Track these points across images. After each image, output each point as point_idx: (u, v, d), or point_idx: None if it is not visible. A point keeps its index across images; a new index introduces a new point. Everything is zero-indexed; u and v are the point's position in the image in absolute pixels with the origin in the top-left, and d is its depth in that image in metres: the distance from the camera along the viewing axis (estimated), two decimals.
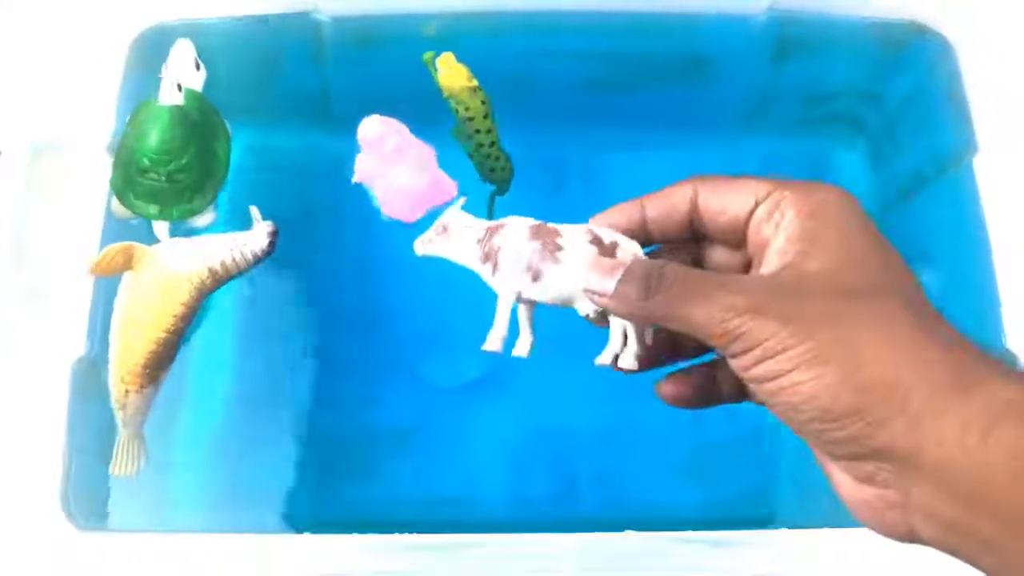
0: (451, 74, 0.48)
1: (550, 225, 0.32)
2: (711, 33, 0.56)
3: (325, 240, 0.52)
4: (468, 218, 0.34)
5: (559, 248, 0.31)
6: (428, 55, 0.50)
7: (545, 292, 0.31)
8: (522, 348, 0.32)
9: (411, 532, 0.43)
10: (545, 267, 0.31)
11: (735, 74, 0.58)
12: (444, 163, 0.57)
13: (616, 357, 0.31)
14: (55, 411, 0.46)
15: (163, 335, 0.45)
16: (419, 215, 0.51)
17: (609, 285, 0.29)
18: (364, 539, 0.43)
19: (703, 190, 0.30)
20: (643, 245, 0.31)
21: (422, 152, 0.51)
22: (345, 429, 0.54)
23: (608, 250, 0.30)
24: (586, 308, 0.31)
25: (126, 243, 0.45)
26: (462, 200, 0.35)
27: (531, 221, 0.32)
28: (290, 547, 0.44)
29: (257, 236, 0.47)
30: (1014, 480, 0.23)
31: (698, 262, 0.32)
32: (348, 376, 0.55)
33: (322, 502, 0.51)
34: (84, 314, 0.47)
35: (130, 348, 0.45)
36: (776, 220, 0.28)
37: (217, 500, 0.50)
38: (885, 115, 0.58)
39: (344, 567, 0.43)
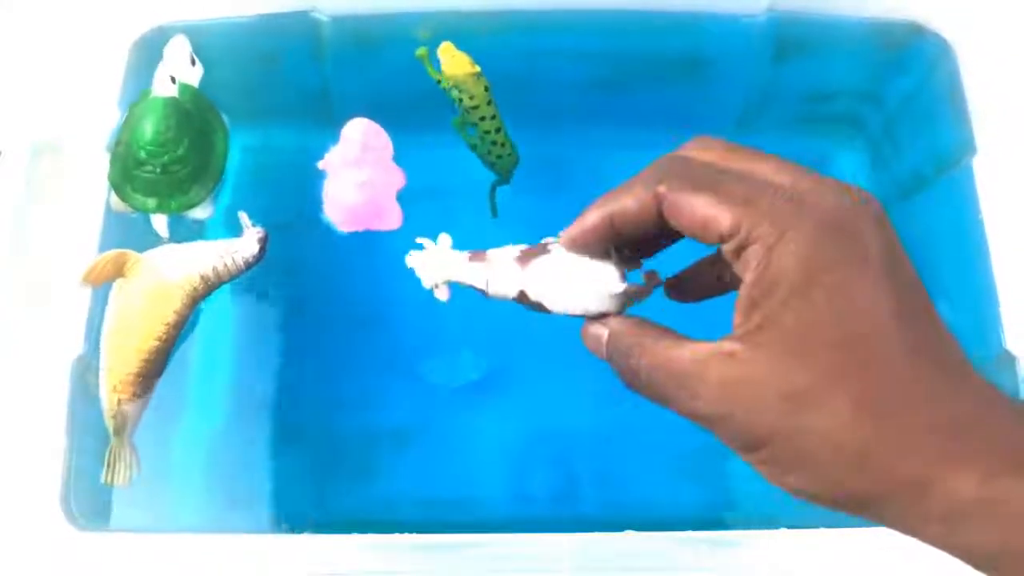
0: (454, 62, 0.48)
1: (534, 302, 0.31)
2: (711, 33, 0.56)
3: (325, 240, 0.52)
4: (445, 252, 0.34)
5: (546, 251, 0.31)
6: (422, 51, 0.50)
7: (540, 281, 0.31)
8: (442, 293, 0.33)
9: (411, 532, 0.43)
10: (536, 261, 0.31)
11: (735, 74, 0.58)
12: (447, 162, 0.58)
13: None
14: (55, 411, 0.46)
15: (155, 343, 0.45)
16: (352, 229, 0.51)
17: (603, 352, 0.30)
18: (364, 539, 0.43)
19: (666, 201, 0.27)
20: (621, 248, 0.30)
21: (386, 176, 0.51)
22: (345, 429, 0.54)
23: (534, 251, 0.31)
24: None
25: (117, 251, 0.45)
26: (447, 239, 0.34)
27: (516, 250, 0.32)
28: (290, 547, 0.44)
29: (247, 243, 0.47)
30: (991, 562, 0.23)
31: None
32: (348, 376, 0.55)
33: (322, 502, 0.51)
34: (84, 314, 0.47)
35: (122, 357, 0.45)
36: (740, 269, 0.26)
37: (217, 500, 0.50)
38: (884, 116, 0.58)
39: (344, 567, 0.43)
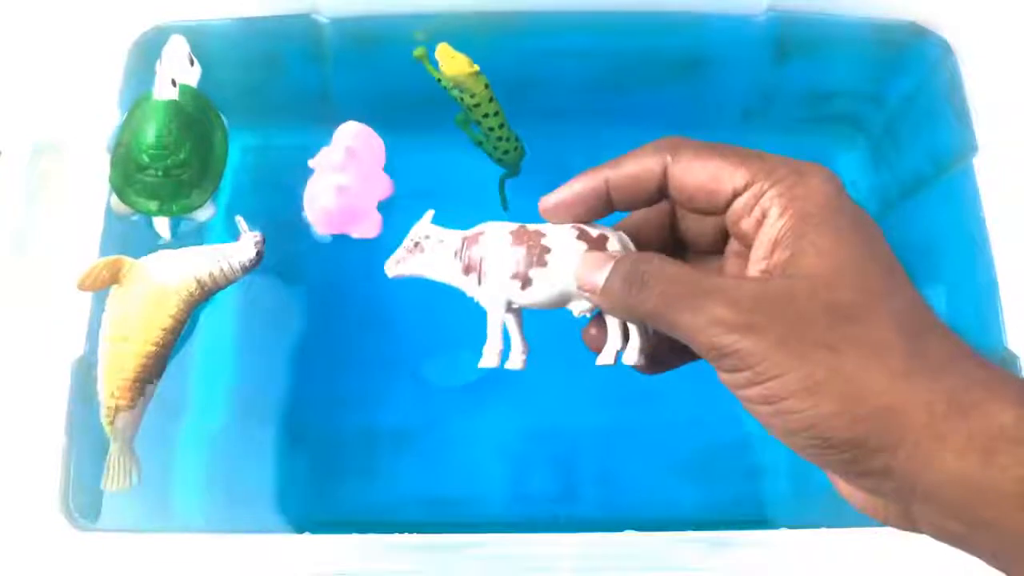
0: (453, 63, 0.48)
1: (531, 227, 0.30)
2: (711, 33, 0.56)
3: (325, 240, 0.52)
4: (439, 231, 0.32)
5: (546, 250, 0.29)
6: (419, 51, 0.50)
7: (535, 297, 0.30)
8: (516, 360, 0.31)
9: (411, 532, 0.43)
10: (534, 272, 0.29)
11: (735, 74, 0.58)
12: (447, 163, 0.58)
13: (619, 355, 0.29)
14: (55, 411, 0.46)
15: (152, 348, 0.45)
16: (327, 232, 0.50)
17: (599, 280, 0.27)
18: (364, 539, 0.43)
19: (675, 167, 0.28)
20: (606, 215, 0.30)
21: (368, 184, 0.51)
22: (345, 429, 0.54)
23: (598, 243, 0.29)
24: (580, 307, 0.30)
25: (113, 257, 0.45)
26: (430, 213, 0.32)
27: (510, 225, 0.30)
28: (290, 547, 0.44)
29: (244, 247, 0.47)
30: (1014, 505, 0.22)
31: (669, 227, 0.31)
32: (348, 376, 0.55)
33: (322, 502, 0.51)
34: (84, 314, 0.47)
35: (120, 363, 0.45)
36: (757, 217, 0.26)
37: (217, 500, 0.50)
38: (885, 116, 0.58)
39: (344, 567, 0.43)
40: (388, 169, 0.58)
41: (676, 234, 0.31)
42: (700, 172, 0.27)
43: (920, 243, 0.54)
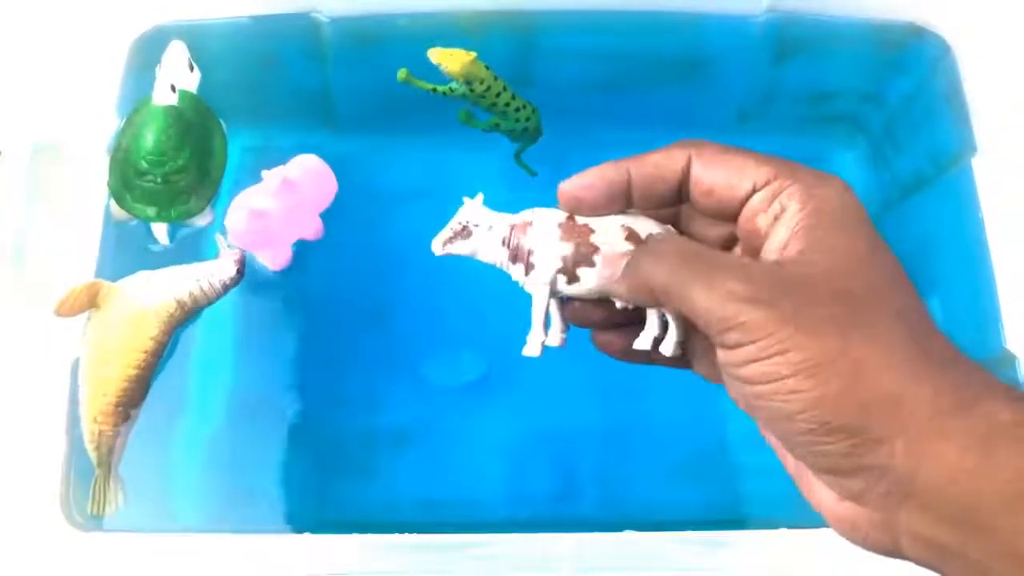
0: (453, 60, 0.48)
1: (580, 222, 0.30)
2: (711, 33, 0.56)
3: (325, 240, 0.52)
4: (487, 215, 0.31)
5: (595, 249, 0.29)
6: (402, 73, 0.50)
7: (580, 290, 0.30)
8: (555, 338, 0.31)
9: (411, 532, 0.43)
10: (581, 271, 0.30)
11: (735, 74, 0.58)
12: (447, 163, 0.58)
13: (656, 342, 0.30)
14: (55, 411, 0.46)
15: (134, 372, 0.45)
16: (233, 243, 0.49)
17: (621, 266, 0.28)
18: (364, 539, 0.43)
19: (698, 162, 0.28)
20: (623, 209, 0.30)
21: (294, 220, 0.49)
22: (345, 429, 0.54)
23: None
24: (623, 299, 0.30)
25: (90, 281, 0.45)
26: (480, 197, 0.32)
27: (558, 215, 0.30)
28: (290, 547, 0.44)
29: (224, 265, 0.47)
30: (1007, 505, 0.22)
31: (676, 226, 0.31)
32: (349, 376, 0.55)
33: (322, 502, 0.51)
34: (84, 314, 0.47)
35: (101, 388, 0.45)
36: (775, 212, 0.27)
37: (217, 500, 0.50)
38: (885, 116, 0.58)
39: (344, 567, 0.43)
40: (388, 169, 0.58)
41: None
42: (723, 167, 0.28)
43: (919, 242, 0.54)
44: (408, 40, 0.53)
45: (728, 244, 0.30)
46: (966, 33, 0.53)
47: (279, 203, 0.48)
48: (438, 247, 0.32)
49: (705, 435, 0.53)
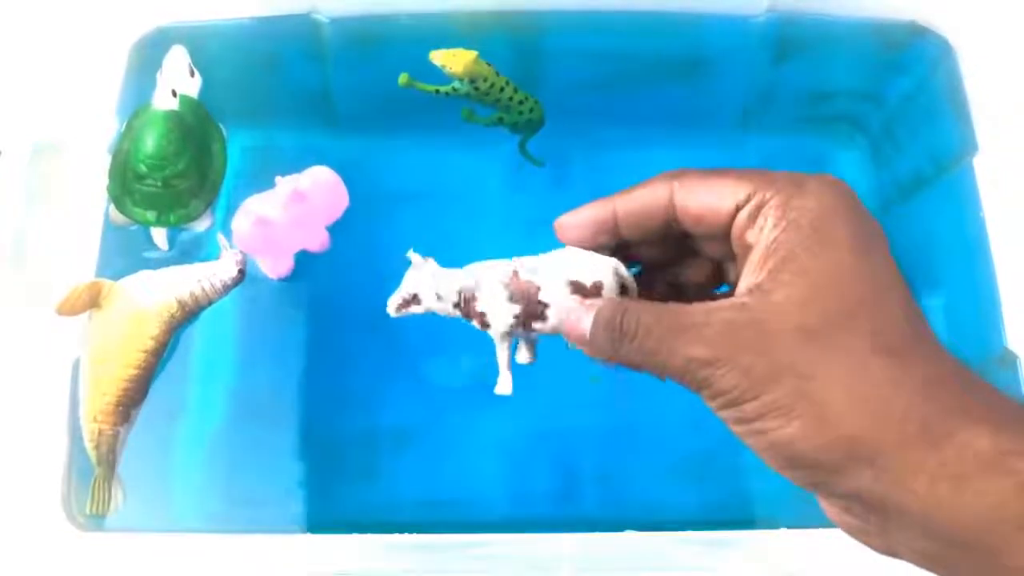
0: (456, 60, 0.48)
1: (524, 282, 0.31)
2: (711, 33, 0.56)
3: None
4: (434, 282, 0.32)
5: (545, 306, 0.30)
6: (403, 78, 0.50)
7: (539, 332, 0.32)
8: (523, 356, 0.33)
9: (411, 532, 0.43)
10: (535, 324, 0.31)
11: (735, 74, 0.58)
12: (447, 163, 0.57)
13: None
14: (55, 411, 0.46)
15: (134, 371, 0.45)
16: (236, 244, 0.49)
17: (585, 332, 0.29)
18: (364, 539, 0.43)
19: (679, 191, 0.28)
20: (617, 248, 0.31)
21: (300, 232, 0.49)
22: (346, 429, 0.54)
23: (592, 293, 0.30)
24: None
25: (91, 280, 0.45)
26: (430, 261, 0.33)
27: (503, 273, 0.31)
28: (290, 547, 0.44)
29: (226, 265, 0.47)
30: (991, 529, 0.22)
31: (682, 266, 0.32)
32: (349, 376, 0.55)
33: (322, 502, 0.51)
34: (85, 314, 0.47)
35: (101, 387, 0.45)
36: (760, 225, 0.26)
37: (217, 500, 0.50)
38: (885, 115, 0.58)
39: (344, 567, 0.43)
40: (389, 169, 0.58)
41: (675, 279, 0.32)
42: (705, 191, 0.28)
43: (920, 242, 0.54)
44: (408, 40, 0.53)
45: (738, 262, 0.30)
46: (967, 32, 0.53)
47: (286, 213, 0.49)
48: (392, 310, 0.34)
49: (705, 435, 0.53)
